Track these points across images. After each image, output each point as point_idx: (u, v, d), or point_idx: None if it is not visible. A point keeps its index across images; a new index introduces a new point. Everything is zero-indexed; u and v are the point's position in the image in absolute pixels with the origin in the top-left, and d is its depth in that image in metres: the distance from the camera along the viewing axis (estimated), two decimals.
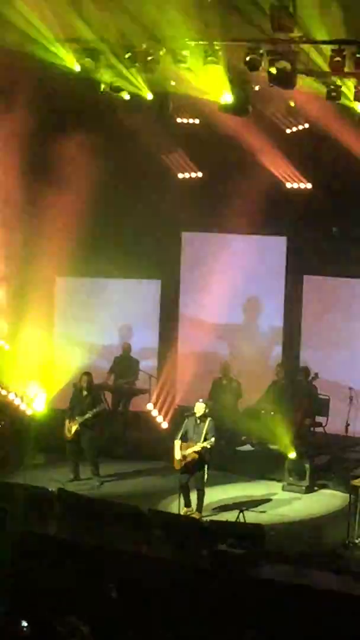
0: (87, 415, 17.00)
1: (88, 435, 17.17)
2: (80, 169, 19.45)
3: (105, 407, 17.82)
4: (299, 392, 18.02)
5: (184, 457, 15.35)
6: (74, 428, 17.00)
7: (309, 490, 17.00)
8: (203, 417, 15.49)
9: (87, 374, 17.46)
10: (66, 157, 19.17)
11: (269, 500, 16.63)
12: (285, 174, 19.73)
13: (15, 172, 19.23)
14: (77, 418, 17.02)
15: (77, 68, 17.49)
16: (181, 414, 16.27)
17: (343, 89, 16.70)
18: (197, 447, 15.29)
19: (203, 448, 15.28)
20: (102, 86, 17.90)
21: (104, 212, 20.04)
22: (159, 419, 19.61)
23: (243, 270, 20.53)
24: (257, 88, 17.29)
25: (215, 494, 16.14)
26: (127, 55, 16.96)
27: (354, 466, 15.40)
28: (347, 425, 17.30)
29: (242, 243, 20.58)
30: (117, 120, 19.02)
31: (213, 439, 15.36)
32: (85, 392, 17.27)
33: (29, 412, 19.04)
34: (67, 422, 17.14)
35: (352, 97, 16.88)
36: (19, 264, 19.72)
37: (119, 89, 17.62)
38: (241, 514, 14.47)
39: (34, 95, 18.17)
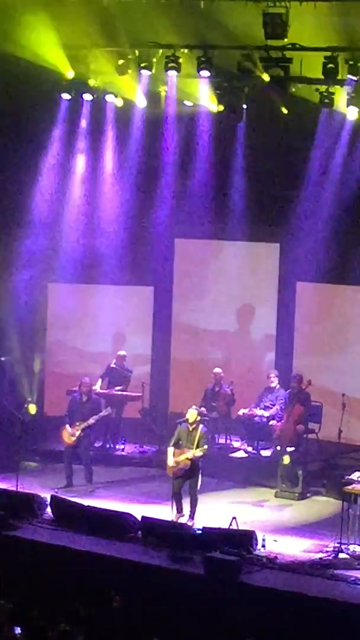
0: (91, 421, 17.00)
1: (87, 440, 17.17)
2: None
3: (110, 412, 17.79)
4: (292, 399, 18.00)
5: (177, 463, 15.33)
6: (77, 433, 16.98)
7: (302, 496, 17.00)
8: (195, 424, 15.48)
9: (87, 379, 17.47)
10: None
11: (261, 506, 16.62)
12: (278, 180, 19.72)
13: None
14: (78, 423, 17.00)
15: (70, 74, 17.56)
16: (174, 421, 16.25)
17: (336, 95, 16.76)
18: (189, 455, 15.27)
19: (195, 456, 15.25)
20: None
21: (98, 219, 20.06)
22: (152, 425, 19.57)
23: (236, 277, 20.54)
24: (250, 94, 17.32)
25: (208, 501, 16.11)
26: (120, 62, 17.02)
27: (346, 473, 15.34)
28: (340, 431, 17.28)
29: (235, 250, 20.56)
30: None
31: (206, 447, 15.34)
32: (85, 398, 17.27)
33: (22, 418, 18.98)
34: (67, 427, 17.10)
35: (345, 104, 16.96)
36: (10, 270, 19.68)
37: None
38: (234, 520, 14.44)
39: None
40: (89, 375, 18.17)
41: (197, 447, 15.26)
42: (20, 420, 17.79)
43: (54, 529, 14.94)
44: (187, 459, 15.26)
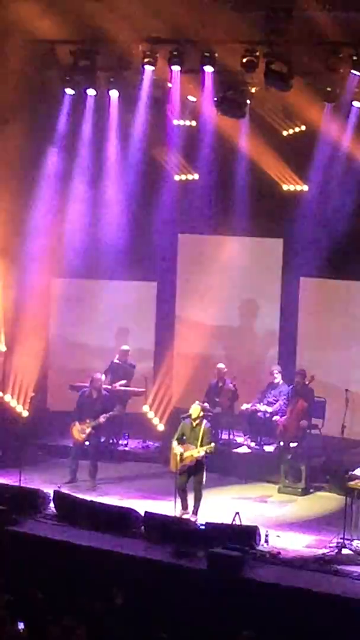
0: (101, 419, 16.97)
1: (97, 437, 17.15)
2: None
3: (122, 412, 17.76)
4: (295, 394, 18.00)
5: (182, 459, 15.30)
6: (87, 430, 16.94)
7: (305, 492, 16.98)
8: (199, 420, 15.46)
9: (99, 375, 17.46)
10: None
11: (264, 502, 16.61)
12: (281, 175, 19.70)
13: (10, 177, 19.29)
14: (88, 421, 16.96)
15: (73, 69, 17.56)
16: (177, 416, 16.24)
17: (340, 90, 16.74)
18: (194, 452, 15.22)
19: (200, 455, 15.20)
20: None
21: (101, 214, 20.05)
22: (155, 420, 19.57)
23: (239, 272, 20.51)
24: (253, 90, 17.31)
25: (211, 496, 16.09)
26: (124, 57, 17.01)
27: (350, 468, 15.33)
28: (343, 427, 17.23)
29: (238, 245, 20.54)
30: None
31: (212, 444, 15.31)
32: (95, 394, 17.24)
33: (24, 414, 19.01)
34: (77, 424, 17.05)
35: (349, 99, 16.94)
36: (15, 265, 19.67)
37: None
38: (237, 516, 14.44)
39: None
40: (92, 370, 18.15)
41: (202, 443, 15.22)
42: (23, 415, 17.82)
43: (56, 524, 14.94)
44: (192, 456, 15.24)
